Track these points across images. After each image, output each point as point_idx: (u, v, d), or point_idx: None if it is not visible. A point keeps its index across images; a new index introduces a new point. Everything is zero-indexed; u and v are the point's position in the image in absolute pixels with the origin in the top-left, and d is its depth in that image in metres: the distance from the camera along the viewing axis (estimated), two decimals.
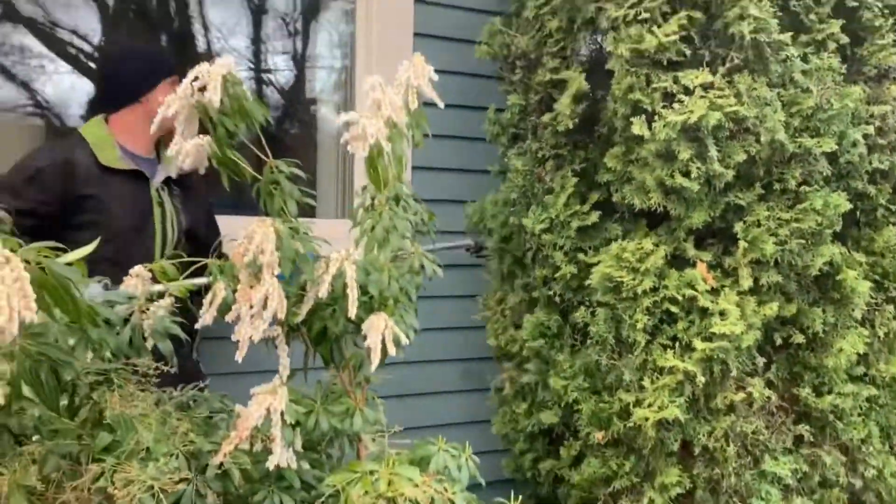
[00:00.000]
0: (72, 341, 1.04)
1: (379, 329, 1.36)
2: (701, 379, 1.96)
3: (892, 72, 2.25)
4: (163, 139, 2.23)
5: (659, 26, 2.01)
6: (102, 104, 2.43)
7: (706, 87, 1.99)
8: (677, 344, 2.04)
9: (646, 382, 2.03)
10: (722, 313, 1.99)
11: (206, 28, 4.22)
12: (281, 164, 1.43)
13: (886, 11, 2.23)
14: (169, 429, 1.30)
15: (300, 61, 4.44)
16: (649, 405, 1.99)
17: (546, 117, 2.35)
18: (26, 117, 3.84)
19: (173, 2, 4.19)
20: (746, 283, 2.04)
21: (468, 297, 2.92)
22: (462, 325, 2.95)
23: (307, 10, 4.11)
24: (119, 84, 2.25)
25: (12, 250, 0.92)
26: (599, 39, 2.36)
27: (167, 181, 2.21)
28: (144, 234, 2.14)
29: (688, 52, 2.02)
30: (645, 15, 2.03)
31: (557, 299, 2.36)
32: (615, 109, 2.11)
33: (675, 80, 2.01)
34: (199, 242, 2.19)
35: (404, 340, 1.41)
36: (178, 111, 1.31)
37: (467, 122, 2.93)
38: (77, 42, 3.87)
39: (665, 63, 2.03)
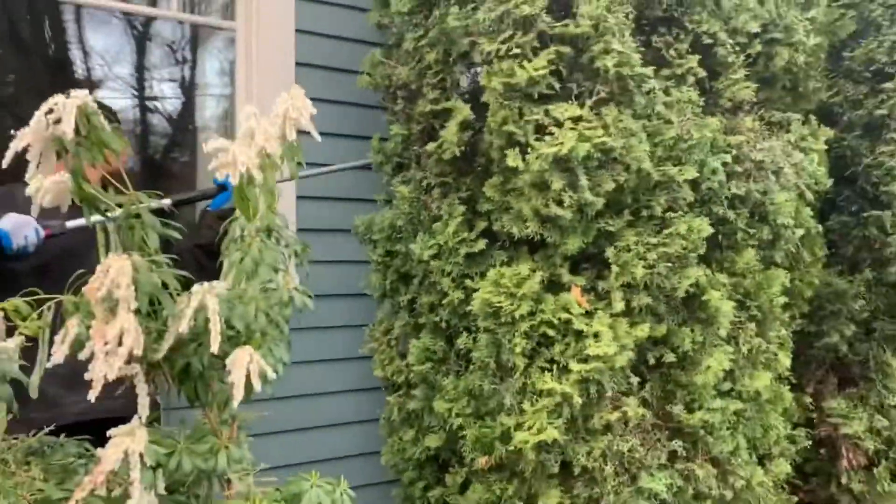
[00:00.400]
0: None
1: (243, 364, 1.33)
2: (578, 400, 2.01)
3: (745, 104, 2.41)
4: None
5: (529, 61, 2.09)
6: None
7: (575, 120, 2.07)
8: (555, 366, 2.09)
9: (525, 405, 2.07)
10: (596, 335, 2.06)
11: (85, 54, 4.07)
12: (142, 196, 1.39)
13: (738, 48, 2.39)
14: (15, 478, 1.22)
15: (188, 89, 4.34)
16: (529, 428, 2.02)
17: (430, 146, 2.39)
18: None
19: (49, 28, 4.02)
20: (619, 305, 2.12)
21: (361, 326, 2.91)
22: (355, 356, 2.93)
23: (194, 38, 4.03)
24: None
25: None
26: (478, 72, 2.43)
27: None
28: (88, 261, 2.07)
29: (557, 86, 2.11)
30: (516, 50, 2.10)
31: (444, 325, 2.39)
32: (491, 141, 2.17)
33: (547, 113, 2.08)
34: None
35: (272, 375, 1.38)
36: (31, 143, 1.24)
37: (351, 151, 2.93)
38: None
39: (536, 96, 2.10)
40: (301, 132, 1.51)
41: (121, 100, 4.05)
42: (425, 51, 2.40)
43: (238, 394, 1.31)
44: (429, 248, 2.34)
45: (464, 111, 2.28)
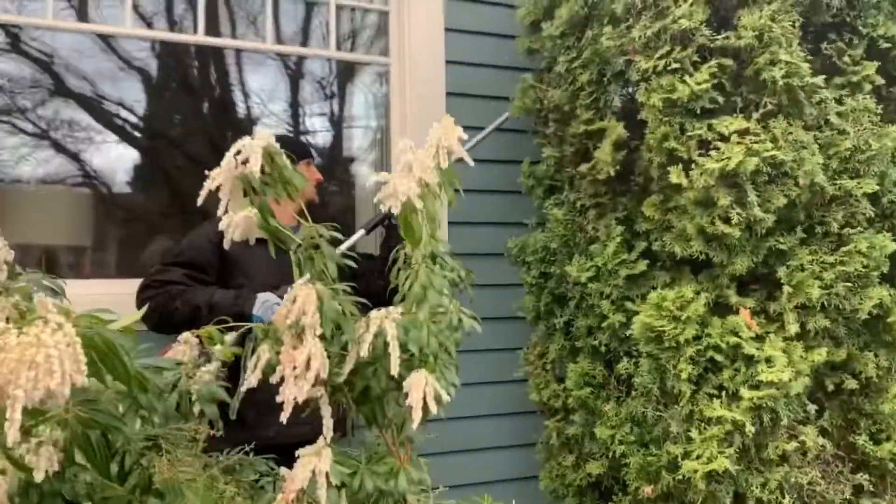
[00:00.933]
0: (122, 407, 1.06)
1: (420, 387, 1.36)
2: (750, 428, 1.91)
3: None
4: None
5: (690, 75, 2.03)
6: None
7: (742, 133, 1.99)
8: (724, 393, 1.99)
9: (693, 433, 1.98)
10: (768, 360, 1.95)
11: (245, 95, 4.37)
12: (321, 229, 1.46)
13: None
14: (216, 493, 1.30)
15: (337, 123, 4.56)
16: (698, 457, 1.94)
17: (583, 167, 2.37)
18: (75, 187, 3.99)
19: (214, 71, 4.36)
20: (793, 328, 2.00)
21: (514, 350, 2.91)
22: (508, 380, 2.93)
23: (342, 74, 4.23)
24: None
25: (66, 315, 0.95)
26: (631, 90, 2.39)
27: None
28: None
29: (720, 100, 2.03)
30: (675, 65, 2.05)
31: (603, 349, 2.35)
32: (650, 158, 2.12)
33: (710, 128, 2.01)
34: None
35: (445, 398, 1.41)
36: (222, 183, 1.35)
37: (501, 176, 2.97)
38: (123, 114, 4.04)
39: (698, 111, 2.03)
40: (457, 160, 1.55)
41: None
42: (578, 72, 2.39)
43: (417, 416, 1.34)
44: (586, 271, 2.31)
45: (617, 129, 2.25)
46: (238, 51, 4.14)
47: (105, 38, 3.75)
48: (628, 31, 2.18)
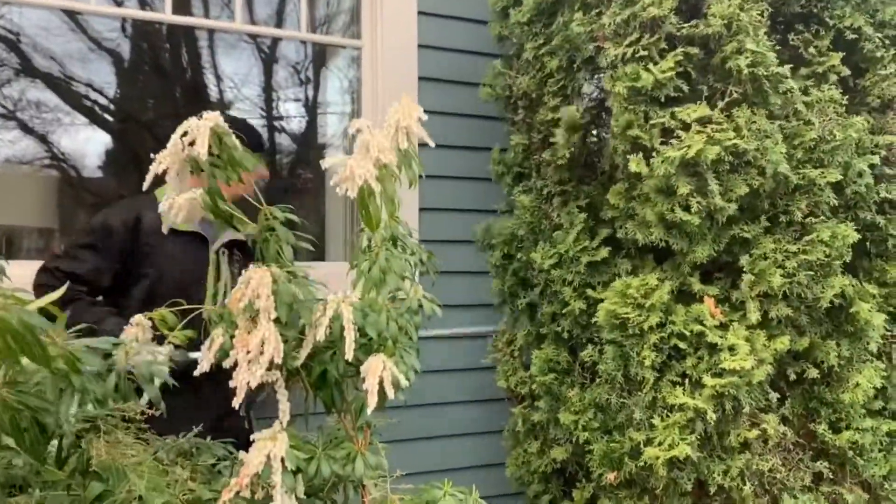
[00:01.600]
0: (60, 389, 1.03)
1: (377, 371, 1.35)
2: (712, 416, 1.92)
3: (895, 102, 2.24)
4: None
5: (655, 63, 2.03)
6: None
7: (703, 122, 1.99)
8: (687, 380, 2.00)
9: (656, 420, 1.99)
10: (731, 348, 1.96)
11: (218, 78, 4.32)
12: (275, 211, 1.44)
13: (887, 42, 2.23)
14: (171, 477, 1.28)
15: (311, 108, 4.52)
16: (660, 444, 1.95)
17: (547, 154, 2.37)
18: (42, 169, 3.92)
19: (186, 54, 4.29)
20: (755, 316, 2.01)
21: (483, 337, 2.91)
22: (477, 367, 2.93)
23: (317, 58, 4.19)
24: None
25: None
26: (601, 78, 2.38)
27: (230, 245, 2.22)
28: (196, 294, 2.15)
29: (685, 88, 2.03)
30: (642, 53, 2.05)
31: (566, 335, 2.35)
32: (615, 146, 2.12)
33: (673, 116, 2.01)
34: None
35: (404, 382, 1.40)
36: (169, 167, 1.31)
37: (473, 163, 2.96)
38: (93, 95, 3.97)
39: (662, 99, 2.03)
40: (422, 145, 1.53)
41: (250, 120, 4.28)
42: (546, 59, 2.38)
43: (373, 401, 1.33)
44: (549, 258, 2.31)
45: (570, 112, 2.24)
46: (210, 32, 4.08)
47: (73, 17, 3.67)
48: (599, 17, 2.17)
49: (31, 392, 0.94)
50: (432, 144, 1.52)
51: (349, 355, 1.34)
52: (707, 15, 2.02)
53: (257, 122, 4.39)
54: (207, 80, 4.29)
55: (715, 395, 1.95)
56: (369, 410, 1.34)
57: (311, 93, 4.51)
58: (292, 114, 4.71)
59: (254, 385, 1.32)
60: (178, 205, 1.34)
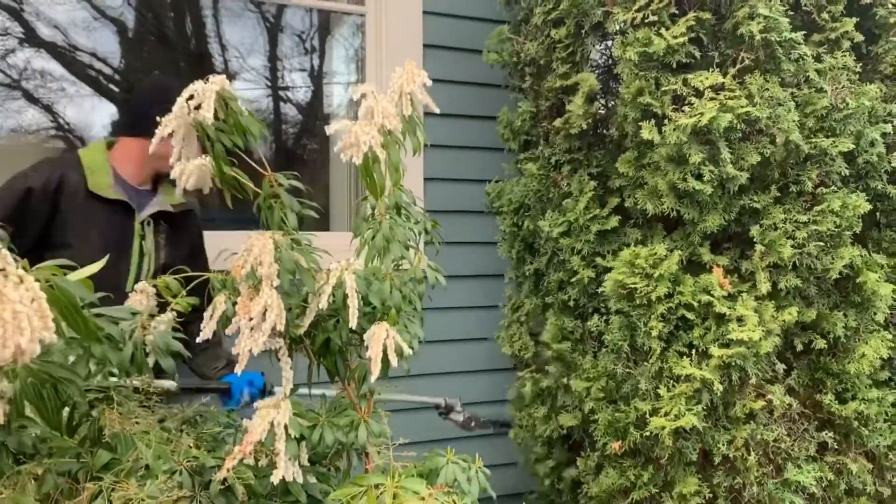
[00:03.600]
0: (72, 358, 1.03)
1: (380, 339, 1.34)
2: (718, 387, 1.91)
3: None
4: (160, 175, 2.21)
5: (667, 28, 1.99)
6: (119, 129, 2.37)
7: (716, 89, 1.95)
8: (693, 351, 1.99)
9: (662, 391, 1.99)
10: (739, 319, 1.95)
11: (223, 48, 4.27)
12: (280, 178, 1.42)
13: None
14: (174, 445, 1.29)
15: (317, 78, 4.47)
16: (665, 414, 1.94)
17: (558, 122, 2.33)
18: (48, 139, 3.91)
19: (191, 24, 4.25)
20: (764, 287, 1.99)
21: (490, 307, 2.91)
22: (484, 336, 2.93)
23: (322, 27, 4.14)
24: (135, 113, 2.19)
25: (24, 269, 0.92)
26: (609, 44, 2.34)
27: (157, 216, 2.16)
28: (119, 265, 2.07)
29: (697, 54, 2.00)
30: (652, 18, 2.01)
31: (572, 304, 2.34)
32: (625, 114, 2.09)
33: (685, 83, 1.98)
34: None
35: (407, 350, 1.39)
36: (174, 130, 1.30)
37: (479, 132, 2.92)
38: (97, 65, 3.94)
39: (674, 65, 2.00)
40: (428, 114, 1.50)
41: (255, 90, 4.24)
42: (555, 24, 2.34)
43: (376, 369, 1.32)
44: (558, 226, 2.29)
45: (589, 80, 2.21)
46: (215, 1, 4.04)
47: None
48: None
49: (54, 361, 0.94)
50: (437, 110, 1.49)
51: (353, 323, 1.33)
52: None
53: (262, 93, 4.35)
54: (212, 49, 4.24)
55: (722, 366, 1.94)
56: (373, 378, 1.34)
57: (316, 62, 4.47)
58: (298, 84, 4.67)
59: (256, 352, 1.32)
60: (188, 170, 1.32)
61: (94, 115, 3.99)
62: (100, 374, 1.18)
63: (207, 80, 1.28)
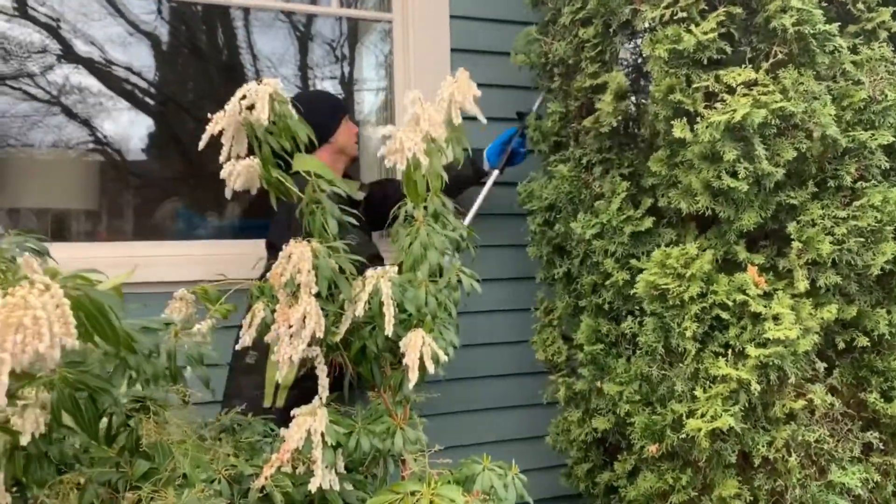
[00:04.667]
0: (109, 368, 1.05)
1: (416, 347, 1.35)
2: (756, 387, 1.88)
3: None
4: None
5: (697, 24, 1.97)
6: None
7: (749, 85, 1.92)
8: (730, 351, 1.96)
9: (698, 392, 1.96)
10: (776, 318, 1.91)
11: (255, 58, 4.33)
12: (323, 183, 1.44)
13: None
14: (212, 454, 1.31)
15: (347, 85, 4.51)
16: (702, 415, 1.92)
17: (588, 121, 2.32)
18: (87, 153, 3.99)
19: (223, 35, 4.31)
20: (802, 285, 1.96)
21: (523, 311, 2.90)
22: (517, 339, 2.92)
23: (351, 34, 4.17)
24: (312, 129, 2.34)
25: (53, 276, 0.94)
26: (638, 42, 2.32)
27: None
28: None
29: (728, 50, 1.97)
30: (682, 14, 1.98)
31: (606, 307, 2.32)
32: (656, 112, 2.07)
33: (717, 79, 1.95)
34: None
35: (443, 357, 1.40)
36: (225, 128, 1.31)
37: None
38: (133, 79, 4.01)
39: (705, 62, 1.97)
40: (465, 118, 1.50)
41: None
42: (583, 24, 2.33)
43: (412, 376, 1.33)
44: (591, 227, 2.28)
45: (618, 78, 2.19)
46: (246, 12, 4.09)
47: (112, 1, 3.71)
48: None
49: (90, 371, 0.96)
50: (484, 120, 1.50)
51: (389, 331, 1.34)
52: None
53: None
54: (245, 60, 4.30)
55: (759, 366, 1.91)
56: (410, 385, 1.35)
57: (346, 69, 4.50)
58: (328, 91, 4.71)
59: (296, 359, 1.34)
60: (237, 171, 1.34)
61: (132, 128, 4.07)
62: (137, 384, 1.20)
63: (260, 81, 1.30)
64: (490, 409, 2.93)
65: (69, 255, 2.38)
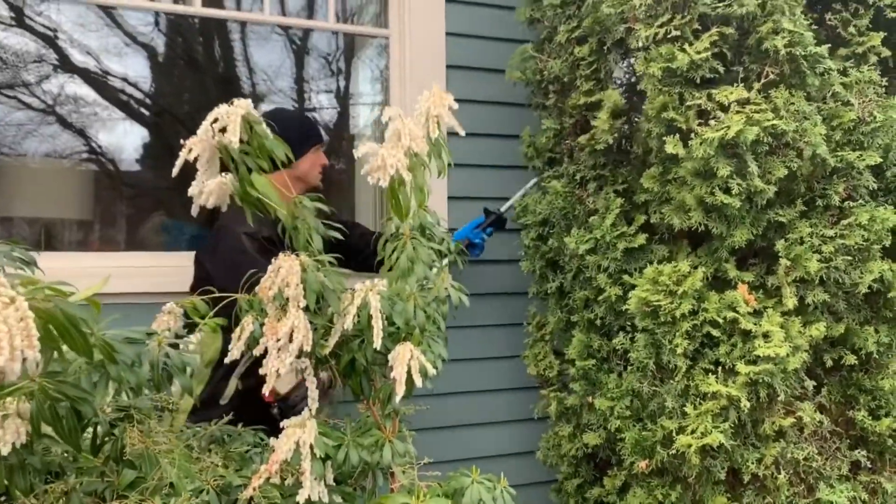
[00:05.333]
0: (94, 378, 1.05)
1: (404, 360, 1.35)
2: (746, 404, 1.89)
3: None
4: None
5: (690, 44, 1.99)
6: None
7: (742, 103, 1.95)
8: (720, 368, 1.97)
9: (688, 409, 1.97)
10: (766, 335, 1.92)
11: (251, 71, 4.35)
12: (304, 199, 1.45)
13: None
14: (200, 464, 1.30)
15: (343, 99, 4.53)
16: (692, 432, 1.92)
17: (583, 138, 2.34)
18: (81, 163, 4.00)
19: (219, 48, 4.33)
20: (790, 302, 1.97)
21: (515, 325, 2.90)
22: (508, 355, 2.93)
23: (347, 49, 4.20)
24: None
25: (29, 287, 0.94)
26: (632, 61, 2.35)
27: None
28: None
29: (721, 69, 1.99)
30: (675, 33, 2.01)
31: (599, 322, 2.33)
32: (649, 129, 2.08)
33: (710, 97, 1.97)
34: None
35: (431, 371, 1.40)
36: (199, 154, 1.32)
37: (502, 151, 2.94)
38: (129, 89, 4.03)
39: (698, 81, 1.99)
40: (451, 133, 1.51)
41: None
42: (578, 42, 2.35)
43: (400, 389, 1.33)
44: (584, 243, 2.29)
45: (614, 97, 2.21)
46: (242, 25, 4.12)
47: (109, 12, 3.73)
48: None
49: (68, 381, 0.96)
50: (462, 133, 1.51)
51: (377, 343, 1.34)
52: None
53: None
54: (241, 72, 4.32)
55: (749, 383, 1.92)
56: (397, 399, 1.35)
57: (342, 83, 4.53)
58: (324, 105, 4.73)
59: (282, 372, 1.34)
60: (208, 189, 1.34)
61: (126, 139, 4.08)
62: (122, 393, 1.20)
63: (232, 103, 1.30)
64: (481, 423, 2.93)
65: (60, 265, 2.38)
